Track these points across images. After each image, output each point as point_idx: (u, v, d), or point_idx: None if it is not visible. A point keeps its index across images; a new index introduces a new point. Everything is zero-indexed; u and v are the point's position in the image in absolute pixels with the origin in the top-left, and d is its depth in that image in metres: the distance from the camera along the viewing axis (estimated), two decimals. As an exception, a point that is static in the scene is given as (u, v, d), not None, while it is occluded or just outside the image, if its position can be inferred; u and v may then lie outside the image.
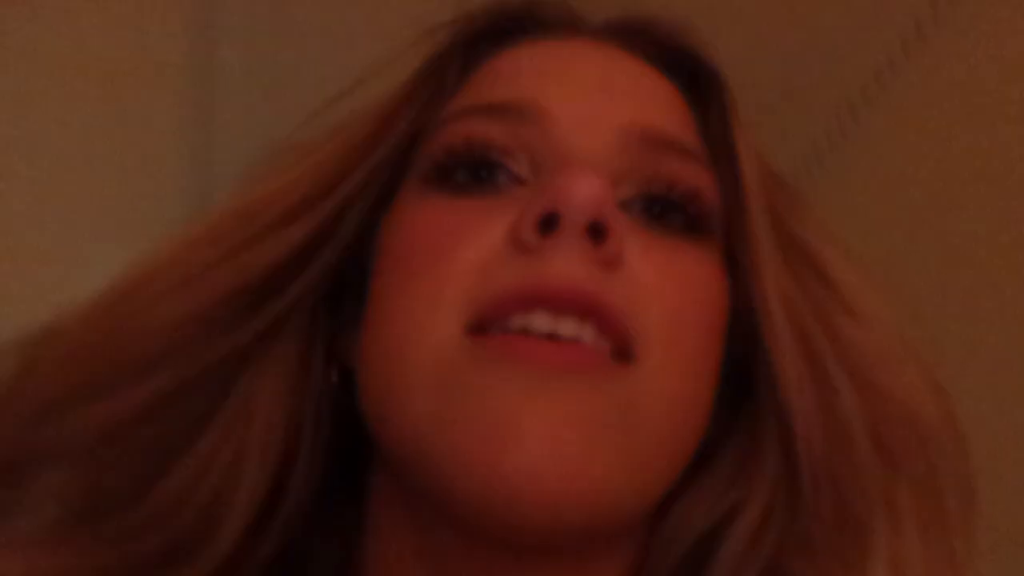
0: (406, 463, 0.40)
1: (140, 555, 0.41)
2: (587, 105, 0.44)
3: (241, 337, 0.43)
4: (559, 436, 0.36)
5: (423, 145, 0.46)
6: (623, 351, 0.39)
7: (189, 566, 0.42)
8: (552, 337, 0.38)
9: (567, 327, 0.38)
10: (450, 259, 0.41)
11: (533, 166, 0.43)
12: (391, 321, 0.41)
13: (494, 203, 0.42)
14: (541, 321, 0.38)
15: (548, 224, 0.39)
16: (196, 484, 0.42)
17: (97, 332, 0.43)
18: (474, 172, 0.43)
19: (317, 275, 0.45)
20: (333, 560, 0.47)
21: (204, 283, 0.43)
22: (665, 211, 0.44)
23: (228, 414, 0.43)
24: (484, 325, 0.39)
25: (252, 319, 0.44)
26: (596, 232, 0.39)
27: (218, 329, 0.43)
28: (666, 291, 0.41)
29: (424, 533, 0.42)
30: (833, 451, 0.42)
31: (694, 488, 0.44)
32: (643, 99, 0.46)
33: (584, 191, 0.39)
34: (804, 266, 0.45)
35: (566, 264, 0.39)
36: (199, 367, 0.43)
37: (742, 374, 0.45)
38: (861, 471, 0.42)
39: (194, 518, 0.42)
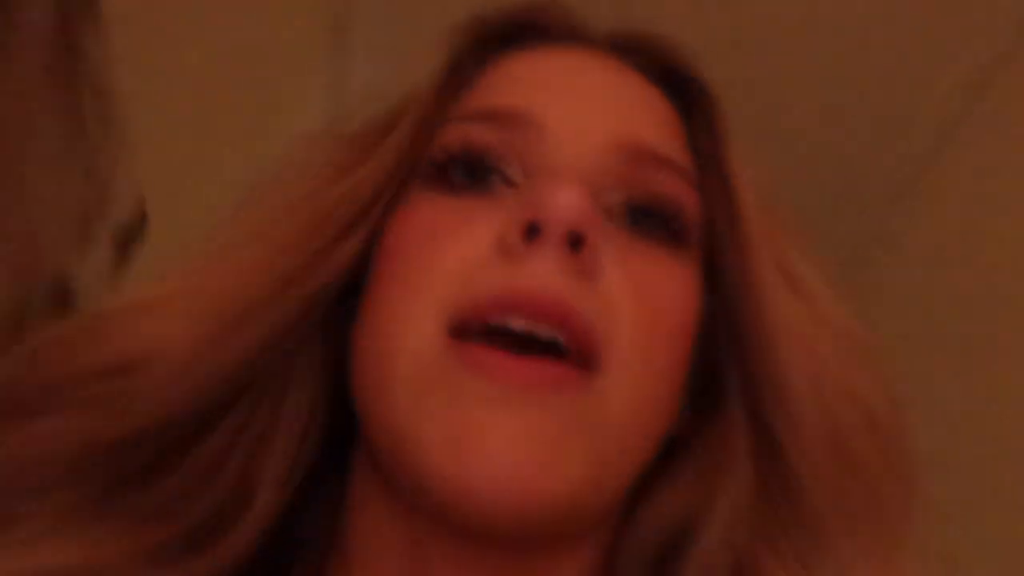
0: (386, 454, 0.43)
1: (169, 534, 0.43)
2: (580, 116, 0.47)
3: (294, 338, 0.46)
4: (520, 447, 0.40)
5: (428, 146, 0.48)
6: (590, 358, 0.42)
7: (215, 547, 0.44)
8: (526, 346, 0.42)
9: (542, 330, 0.42)
10: (438, 257, 0.44)
11: (525, 171, 0.46)
12: (380, 315, 0.44)
13: (485, 204, 0.45)
14: (518, 324, 0.42)
15: (531, 233, 0.42)
16: (227, 457, 0.44)
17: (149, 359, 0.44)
18: (469, 174, 0.46)
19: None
20: (319, 536, 0.49)
21: (275, 307, 0.44)
22: (647, 221, 0.47)
23: (263, 390, 0.45)
24: (464, 326, 0.42)
25: (307, 321, 0.46)
26: (574, 242, 0.42)
27: (278, 338, 0.45)
28: (638, 301, 0.44)
29: (401, 517, 0.45)
30: (823, 461, 0.45)
31: (664, 487, 0.48)
32: (635, 113, 0.49)
33: (566, 203, 0.42)
34: (785, 277, 0.48)
35: (544, 273, 0.42)
36: (252, 370, 0.45)
37: (714, 379, 0.48)
38: (834, 477, 0.45)
39: (224, 494, 0.44)
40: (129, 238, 0.63)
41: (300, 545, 0.48)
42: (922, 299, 1.22)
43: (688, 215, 0.48)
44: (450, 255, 0.44)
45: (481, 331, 0.42)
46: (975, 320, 1.16)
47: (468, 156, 0.47)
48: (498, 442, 0.40)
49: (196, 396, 0.43)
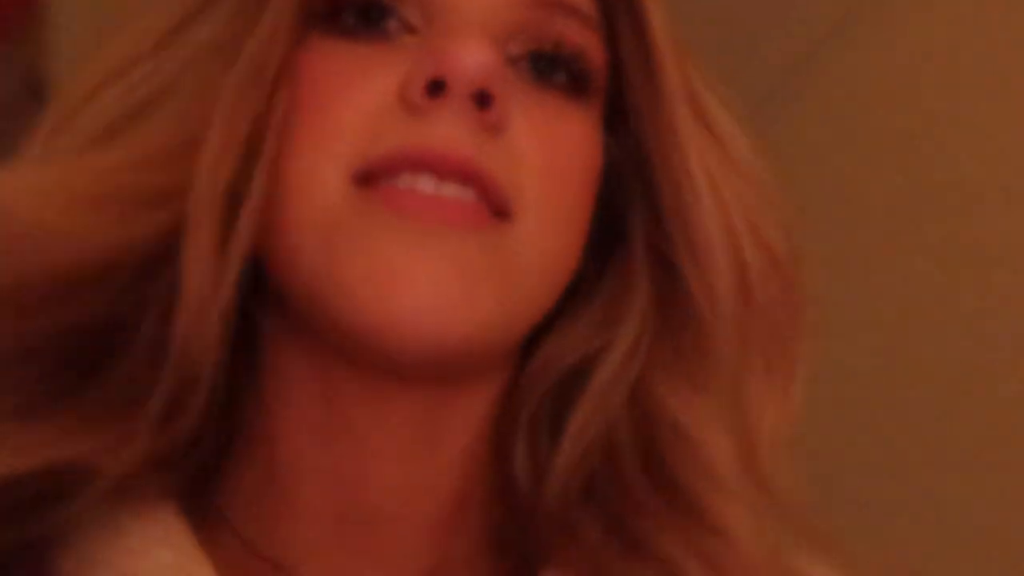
0: (300, 301, 0.43)
1: (136, 419, 0.41)
2: None
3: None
4: (437, 281, 0.40)
5: None
6: (501, 211, 0.42)
7: (175, 423, 0.42)
8: (436, 196, 0.41)
9: (449, 189, 0.41)
10: (338, 108, 0.42)
11: (425, 16, 0.44)
12: (282, 169, 0.42)
13: (383, 51, 0.43)
14: (425, 182, 0.41)
15: (435, 88, 0.41)
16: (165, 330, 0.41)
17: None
18: (363, 16, 0.44)
19: None
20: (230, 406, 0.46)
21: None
22: (551, 68, 0.45)
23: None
24: (370, 179, 0.41)
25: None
26: (481, 99, 0.41)
27: None
28: (544, 152, 0.44)
29: (314, 365, 0.44)
30: (725, 297, 0.45)
31: (567, 323, 0.48)
32: None
33: (472, 59, 0.41)
34: (698, 119, 0.47)
35: (451, 129, 0.41)
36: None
37: (618, 219, 0.48)
38: (734, 313, 0.46)
39: (173, 368, 0.41)
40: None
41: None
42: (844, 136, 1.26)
43: (592, 64, 0.46)
44: (350, 107, 0.42)
45: (388, 185, 0.42)
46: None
47: None
48: (415, 277, 0.40)
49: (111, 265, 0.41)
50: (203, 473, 0.46)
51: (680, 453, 0.45)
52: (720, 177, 0.46)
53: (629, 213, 0.48)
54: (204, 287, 0.41)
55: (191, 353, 0.41)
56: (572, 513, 0.45)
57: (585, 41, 0.46)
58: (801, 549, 0.46)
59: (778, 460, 0.47)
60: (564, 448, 0.46)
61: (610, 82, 0.48)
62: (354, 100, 0.42)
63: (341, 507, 0.45)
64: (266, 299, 0.45)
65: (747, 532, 0.44)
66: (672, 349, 0.46)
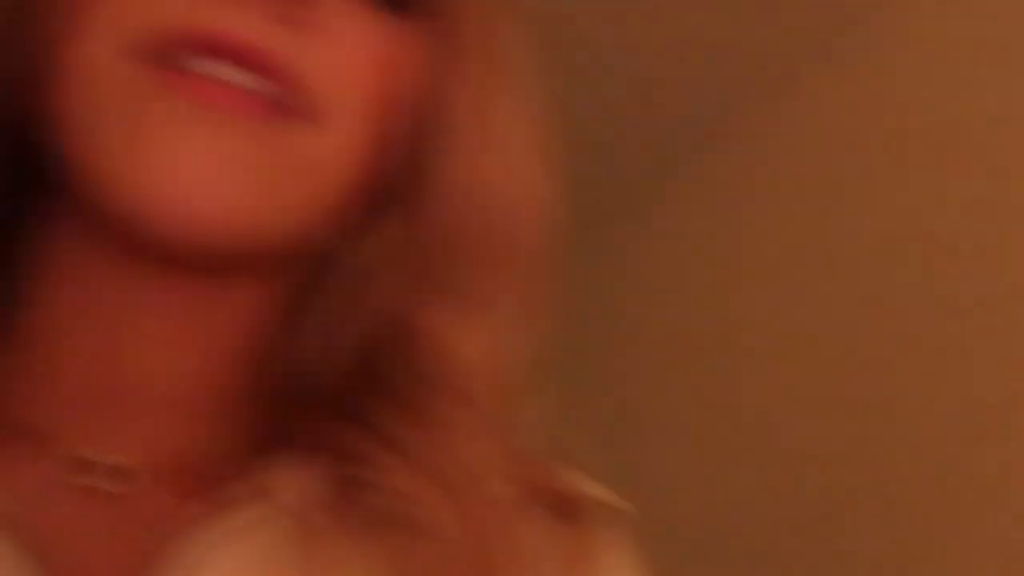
0: (64, 173, 0.42)
1: None
2: None
3: None
4: (206, 168, 0.39)
5: None
6: (297, 108, 0.41)
7: None
8: (220, 81, 0.40)
9: (239, 78, 0.40)
10: None
11: None
12: (63, 31, 0.41)
13: None
14: (214, 67, 0.40)
15: None
16: None
17: None
18: None
19: None
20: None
21: None
22: None
23: None
24: (151, 57, 0.40)
25: None
26: None
27: None
28: (357, 63, 0.43)
29: (86, 243, 0.44)
30: (460, 225, 0.47)
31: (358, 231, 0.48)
32: None
33: None
34: (487, 58, 0.49)
35: (249, 15, 0.40)
36: None
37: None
38: (473, 242, 0.47)
39: None
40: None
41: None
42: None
43: None
44: None
45: (172, 65, 0.40)
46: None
47: None
48: (181, 160, 0.39)
49: None
50: None
51: (428, 358, 0.46)
52: (487, 108, 0.48)
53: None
54: None
55: None
56: (326, 413, 0.46)
57: None
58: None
59: (523, 389, 0.49)
60: (318, 343, 0.47)
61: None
62: None
63: (97, 383, 0.45)
64: (40, 167, 0.44)
65: (478, 444, 0.45)
66: (426, 261, 0.47)
